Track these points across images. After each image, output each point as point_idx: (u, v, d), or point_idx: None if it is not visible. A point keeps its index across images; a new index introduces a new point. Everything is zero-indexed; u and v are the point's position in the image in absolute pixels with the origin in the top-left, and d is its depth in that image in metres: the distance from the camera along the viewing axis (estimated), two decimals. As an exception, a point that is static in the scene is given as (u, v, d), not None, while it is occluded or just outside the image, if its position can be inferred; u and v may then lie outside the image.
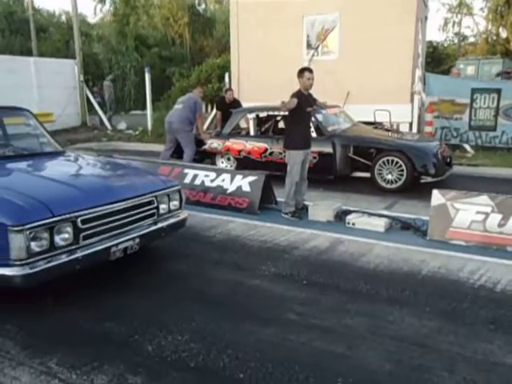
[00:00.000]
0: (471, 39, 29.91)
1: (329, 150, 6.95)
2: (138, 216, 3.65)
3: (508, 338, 2.91)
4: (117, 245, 3.41)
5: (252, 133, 7.85)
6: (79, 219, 3.17)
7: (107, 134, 14.06)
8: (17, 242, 2.88)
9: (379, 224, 5.03)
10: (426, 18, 12.68)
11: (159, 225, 3.87)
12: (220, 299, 3.46)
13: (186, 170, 6.32)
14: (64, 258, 3.09)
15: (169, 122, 7.89)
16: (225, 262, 4.19)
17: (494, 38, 26.93)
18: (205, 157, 8.09)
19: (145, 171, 4.64)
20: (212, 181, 6.05)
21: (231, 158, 7.87)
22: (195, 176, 6.16)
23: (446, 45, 29.95)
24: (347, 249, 4.50)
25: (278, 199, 5.91)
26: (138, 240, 3.59)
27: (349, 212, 5.41)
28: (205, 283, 3.75)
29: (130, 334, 2.93)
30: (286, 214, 5.53)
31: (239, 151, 7.69)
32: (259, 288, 3.67)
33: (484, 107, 9.43)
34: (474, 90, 9.50)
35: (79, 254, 3.17)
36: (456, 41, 29.56)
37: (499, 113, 9.32)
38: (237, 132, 8.11)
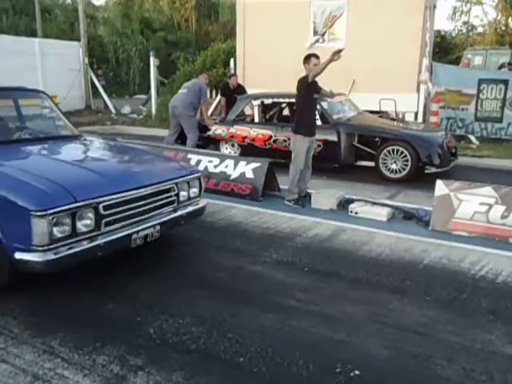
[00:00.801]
0: (480, 29, 29.56)
1: (333, 138, 6.92)
2: (158, 203, 3.58)
3: (507, 329, 2.92)
4: (137, 232, 3.35)
5: (256, 120, 7.81)
6: (101, 205, 3.10)
7: (111, 117, 14.03)
8: (39, 228, 2.82)
9: (382, 213, 5.03)
10: (434, 7, 12.51)
11: (179, 212, 3.79)
12: (221, 284, 3.48)
13: (190, 156, 6.31)
14: (86, 245, 3.04)
15: (172, 107, 7.86)
16: (227, 247, 4.21)
17: (503, 28, 26.62)
18: (209, 143, 8.08)
19: (165, 157, 4.57)
20: (215, 166, 6.05)
21: (235, 145, 7.85)
22: (199, 161, 6.15)
23: (453, 34, 29.61)
24: (349, 237, 4.51)
25: (281, 186, 5.91)
26: (158, 227, 3.52)
27: (352, 200, 5.41)
28: (206, 268, 3.77)
29: (131, 317, 2.96)
30: (289, 201, 5.53)
31: (243, 138, 7.67)
32: (261, 274, 3.69)
33: (491, 98, 9.34)
34: (480, 81, 9.40)
35: (101, 241, 3.11)
36: (464, 30, 29.20)
37: (506, 104, 9.23)
38: (241, 119, 8.08)
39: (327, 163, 6.95)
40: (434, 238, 4.48)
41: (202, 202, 4.11)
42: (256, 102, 7.79)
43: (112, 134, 10.63)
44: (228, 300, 3.24)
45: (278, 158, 6.78)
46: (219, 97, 10.86)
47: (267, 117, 8.17)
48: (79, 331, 2.79)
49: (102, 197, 3.12)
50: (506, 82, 9.19)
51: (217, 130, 7.92)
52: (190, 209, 3.92)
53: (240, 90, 9.26)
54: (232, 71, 11.89)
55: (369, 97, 8.96)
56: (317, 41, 10.86)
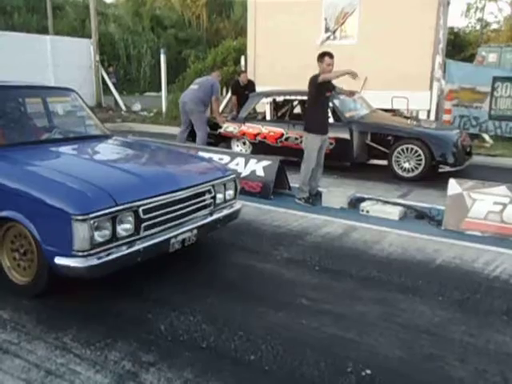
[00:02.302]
0: (494, 26, 29.18)
1: (346, 136, 6.88)
2: (195, 206, 3.46)
3: (522, 330, 2.89)
4: (176, 236, 3.24)
5: (268, 117, 7.80)
6: (141, 208, 2.99)
7: (121, 115, 14.09)
8: (80, 232, 2.70)
9: (393, 212, 4.99)
10: (448, 3, 12.36)
11: (215, 215, 3.67)
12: (232, 282, 3.48)
13: (200, 153, 6.29)
14: (126, 250, 2.93)
15: (183, 102, 7.86)
16: (238, 245, 4.21)
17: (518, 25, 26.24)
18: (220, 141, 8.07)
19: (200, 157, 4.43)
20: (226, 164, 6.04)
21: (247, 143, 7.84)
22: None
23: (467, 31, 29.28)
24: (360, 236, 4.48)
25: (292, 185, 5.89)
26: (195, 231, 3.41)
27: (363, 199, 5.38)
28: (217, 266, 3.77)
29: (143, 314, 2.97)
30: (300, 199, 5.51)
31: (255, 136, 7.65)
32: (271, 272, 3.68)
33: (505, 96, 9.22)
34: (495, 79, 9.28)
35: (140, 246, 3.00)
36: (478, 27, 28.85)
37: (521, 102, 9.12)
38: (253, 116, 8.06)
39: (339, 161, 6.92)
40: (447, 238, 4.43)
41: (238, 205, 3.98)
42: (268, 100, 7.77)
43: (122, 131, 10.67)
44: (239, 298, 3.24)
45: (289, 156, 6.77)
46: (230, 94, 10.86)
47: (279, 114, 8.15)
48: (91, 327, 2.81)
49: (141, 200, 3.00)
50: (521, 80, 9.07)
51: (228, 127, 7.92)
52: (226, 212, 3.79)
53: (250, 86, 9.25)
54: (243, 68, 11.88)
55: (381, 94, 8.90)
56: (328, 38, 10.80)
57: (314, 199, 5.54)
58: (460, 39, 26.70)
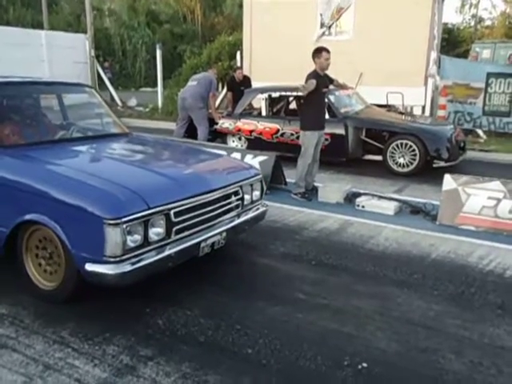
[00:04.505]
0: (488, 22, 29.26)
1: (341, 131, 6.90)
2: (224, 208, 3.32)
3: (515, 324, 2.92)
4: (206, 240, 3.10)
5: (264, 113, 7.80)
6: (172, 212, 2.85)
7: (117, 110, 14.01)
8: (113, 237, 2.56)
9: (389, 207, 5.02)
10: (442, 0, 12.38)
11: (243, 217, 3.52)
12: (229, 277, 3.50)
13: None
14: (157, 255, 2.79)
15: (182, 99, 7.87)
16: (233, 240, 4.21)
17: (512, 21, 26.32)
18: (216, 136, 8.07)
19: (227, 158, 4.29)
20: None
21: (242, 138, 7.84)
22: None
23: (461, 27, 29.33)
24: (356, 231, 4.51)
25: (288, 180, 5.91)
26: (224, 234, 3.27)
27: (359, 194, 5.41)
28: (213, 261, 3.78)
29: (140, 308, 2.98)
30: (296, 194, 5.53)
31: (250, 131, 7.66)
32: (268, 267, 3.70)
33: (499, 92, 9.27)
34: (489, 75, 9.32)
35: (172, 251, 2.86)
36: (472, 23, 28.91)
37: (514, 98, 9.17)
38: (248, 112, 8.06)
39: (335, 157, 6.94)
40: (442, 233, 4.47)
41: (264, 206, 3.88)
42: (263, 96, 7.77)
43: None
44: (236, 292, 3.26)
45: (285, 152, 6.78)
46: (225, 90, 10.84)
47: (274, 110, 8.15)
48: (89, 322, 2.82)
49: (173, 202, 2.87)
50: (515, 76, 9.11)
51: (224, 123, 7.92)
52: (253, 213, 3.66)
53: (246, 81, 9.25)
54: (238, 64, 11.85)
55: (376, 90, 8.90)
56: (323, 33, 10.79)
57: (310, 194, 5.57)
58: (454, 35, 26.73)
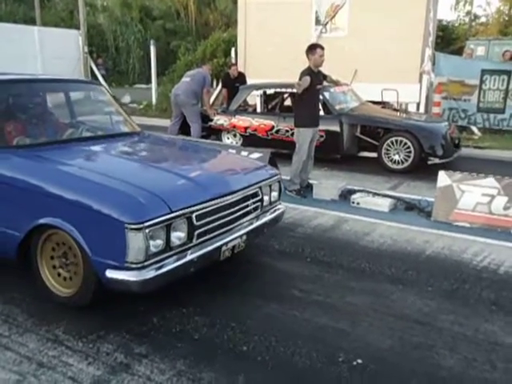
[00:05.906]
0: (482, 19, 29.33)
1: (336, 128, 6.90)
2: (244, 210, 3.22)
3: (510, 319, 2.94)
4: (227, 243, 3.01)
5: (259, 110, 7.78)
6: (194, 215, 2.75)
7: (111, 107, 13.96)
8: (135, 242, 2.46)
9: (384, 204, 5.03)
10: (438, -4, 12.38)
11: (262, 219, 3.42)
12: (224, 274, 3.49)
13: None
14: (180, 260, 2.70)
15: (175, 95, 7.82)
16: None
17: (506, 18, 26.40)
18: (211, 133, 8.04)
19: (245, 158, 4.20)
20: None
21: (237, 135, 7.82)
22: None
23: (456, 24, 29.39)
24: (351, 228, 4.51)
25: (283, 177, 5.88)
26: (244, 237, 3.19)
27: (353, 191, 5.41)
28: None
29: (135, 306, 2.97)
30: (291, 191, 5.52)
31: (245, 128, 7.64)
32: (263, 264, 3.70)
33: (493, 89, 9.30)
34: (483, 72, 9.35)
35: (194, 255, 2.77)
36: (467, 20, 28.97)
37: (508, 95, 9.19)
38: (243, 109, 8.04)
39: (329, 154, 6.93)
40: (436, 229, 4.48)
41: (282, 207, 3.76)
42: (258, 92, 7.75)
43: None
44: (231, 290, 3.25)
45: (280, 149, 6.76)
46: (220, 87, 10.80)
47: (269, 107, 8.13)
48: (83, 320, 2.80)
49: (195, 205, 2.77)
50: (508, 73, 9.14)
51: (218, 120, 7.89)
52: (271, 215, 3.55)
53: (241, 78, 9.21)
54: (233, 61, 11.82)
55: (371, 87, 8.89)
56: (321, 32, 10.77)
57: (304, 191, 5.56)
58: (449, 32, 26.77)
